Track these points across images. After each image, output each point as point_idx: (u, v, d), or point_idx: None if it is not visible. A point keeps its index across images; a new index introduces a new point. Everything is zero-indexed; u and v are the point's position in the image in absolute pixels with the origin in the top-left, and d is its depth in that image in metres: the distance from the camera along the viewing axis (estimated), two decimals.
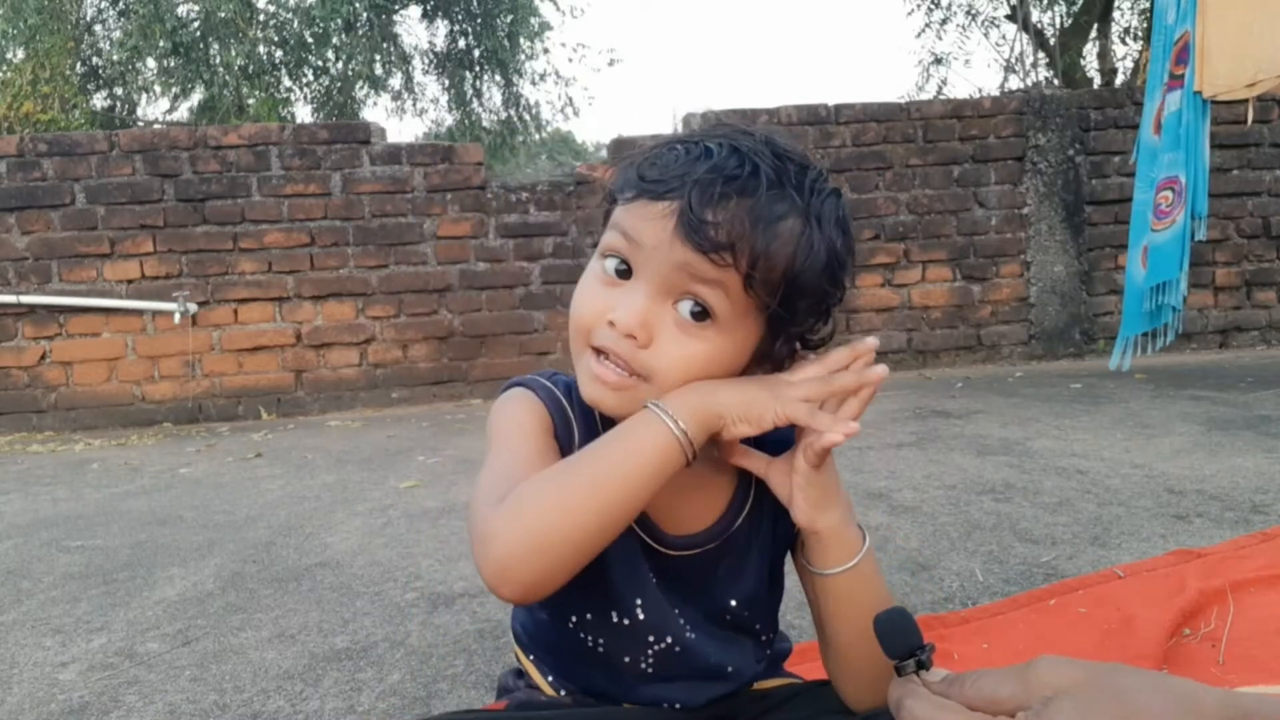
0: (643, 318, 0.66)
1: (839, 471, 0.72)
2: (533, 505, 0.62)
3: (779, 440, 0.73)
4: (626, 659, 0.77)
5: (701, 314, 0.66)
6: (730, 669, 0.79)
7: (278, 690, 1.27)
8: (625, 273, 0.68)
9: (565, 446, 0.75)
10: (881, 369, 0.67)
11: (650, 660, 0.77)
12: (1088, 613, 1.32)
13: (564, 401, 0.77)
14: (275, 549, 2.05)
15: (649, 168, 0.68)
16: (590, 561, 0.64)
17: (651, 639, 0.76)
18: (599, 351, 0.69)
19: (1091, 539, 1.73)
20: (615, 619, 0.75)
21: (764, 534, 0.78)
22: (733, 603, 0.78)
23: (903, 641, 0.60)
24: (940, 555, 1.69)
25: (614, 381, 0.68)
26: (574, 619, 0.77)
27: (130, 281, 4.59)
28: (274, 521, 2.32)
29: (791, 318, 0.68)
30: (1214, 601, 1.30)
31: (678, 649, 0.77)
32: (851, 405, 0.67)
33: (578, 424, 0.76)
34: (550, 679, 0.83)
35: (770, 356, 0.71)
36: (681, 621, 0.77)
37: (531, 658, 0.85)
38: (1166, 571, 1.45)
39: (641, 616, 0.75)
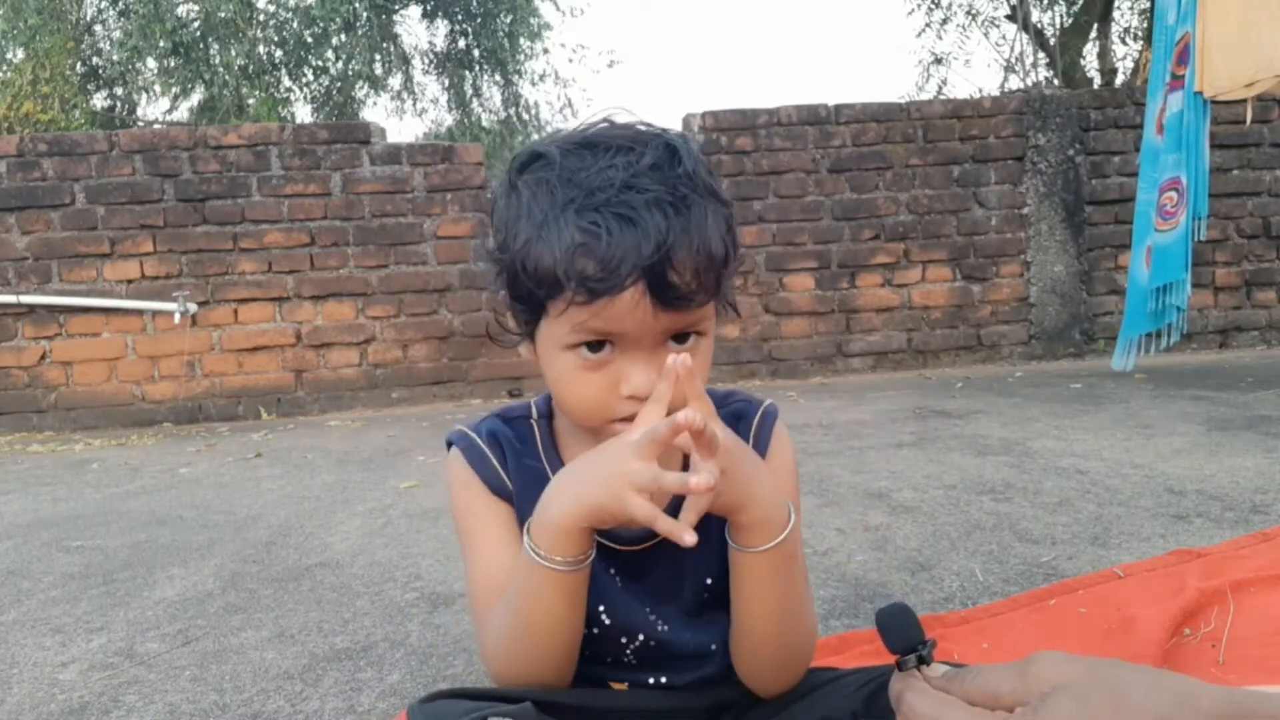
0: (656, 376, 0.68)
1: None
2: (502, 662, 0.75)
3: (731, 414, 0.81)
4: (609, 659, 0.80)
5: (686, 335, 0.70)
6: (713, 646, 0.80)
7: (278, 690, 1.27)
8: (599, 346, 0.69)
9: (496, 484, 0.80)
10: (685, 414, 0.61)
11: (630, 656, 0.80)
12: (1088, 613, 1.32)
13: (488, 453, 0.81)
14: (275, 549, 2.05)
15: (583, 264, 0.64)
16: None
17: (624, 640, 0.78)
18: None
19: (1091, 539, 1.73)
20: (585, 629, 0.77)
21: None
22: (709, 580, 0.79)
23: (904, 637, 0.61)
24: (940, 555, 1.69)
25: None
26: None
27: (130, 281, 4.59)
28: (274, 521, 2.32)
29: (732, 277, 0.72)
30: (1214, 601, 1.30)
31: (652, 643, 0.78)
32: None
33: (508, 457, 0.81)
34: None
35: (723, 313, 0.75)
36: (653, 618, 0.78)
37: None
38: (1166, 571, 1.45)
39: (608, 622, 0.77)
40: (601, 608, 0.77)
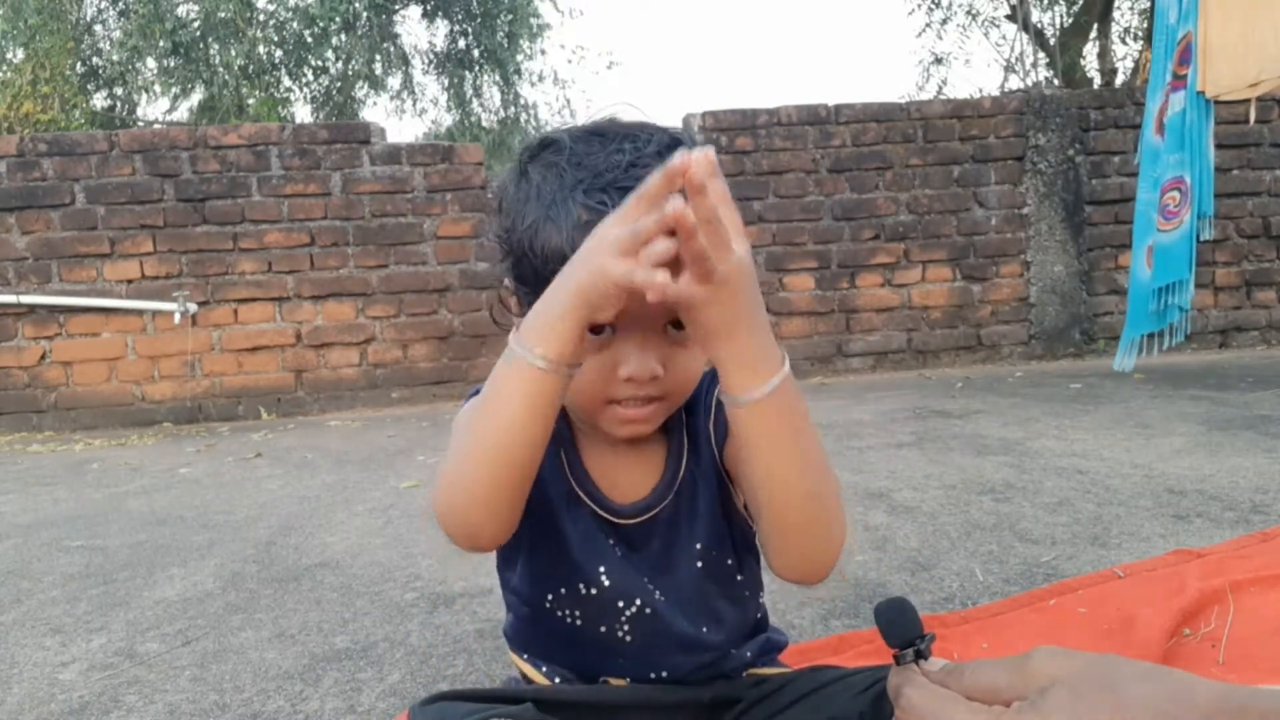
0: (654, 359, 0.70)
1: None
2: (442, 485, 0.70)
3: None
4: (603, 629, 0.80)
5: (679, 323, 0.70)
6: (705, 630, 0.80)
7: (278, 690, 1.27)
8: (600, 329, 0.69)
9: None
10: (701, 159, 0.54)
11: (626, 628, 0.79)
12: (1088, 613, 1.32)
13: None
14: (275, 549, 2.05)
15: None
16: (525, 503, 0.70)
17: (621, 604, 0.79)
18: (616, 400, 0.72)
19: (1091, 539, 1.73)
20: (583, 590, 0.79)
21: (705, 466, 0.81)
22: (698, 545, 0.80)
23: (903, 631, 0.61)
24: (940, 555, 1.69)
25: (644, 415, 0.73)
26: (549, 597, 0.80)
27: (130, 281, 4.59)
28: (274, 521, 2.32)
29: None
30: (1214, 601, 1.30)
31: (648, 611, 0.79)
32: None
33: None
34: (544, 669, 0.85)
35: None
36: (650, 587, 0.79)
37: (524, 656, 0.86)
38: (1166, 571, 1.45)
39: (606, 583, 0.78)
40: (602, 569, 0.78)
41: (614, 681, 0.82)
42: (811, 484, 0.67)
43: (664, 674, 0.81)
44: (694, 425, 0.82)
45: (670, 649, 0.80)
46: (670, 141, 0.71)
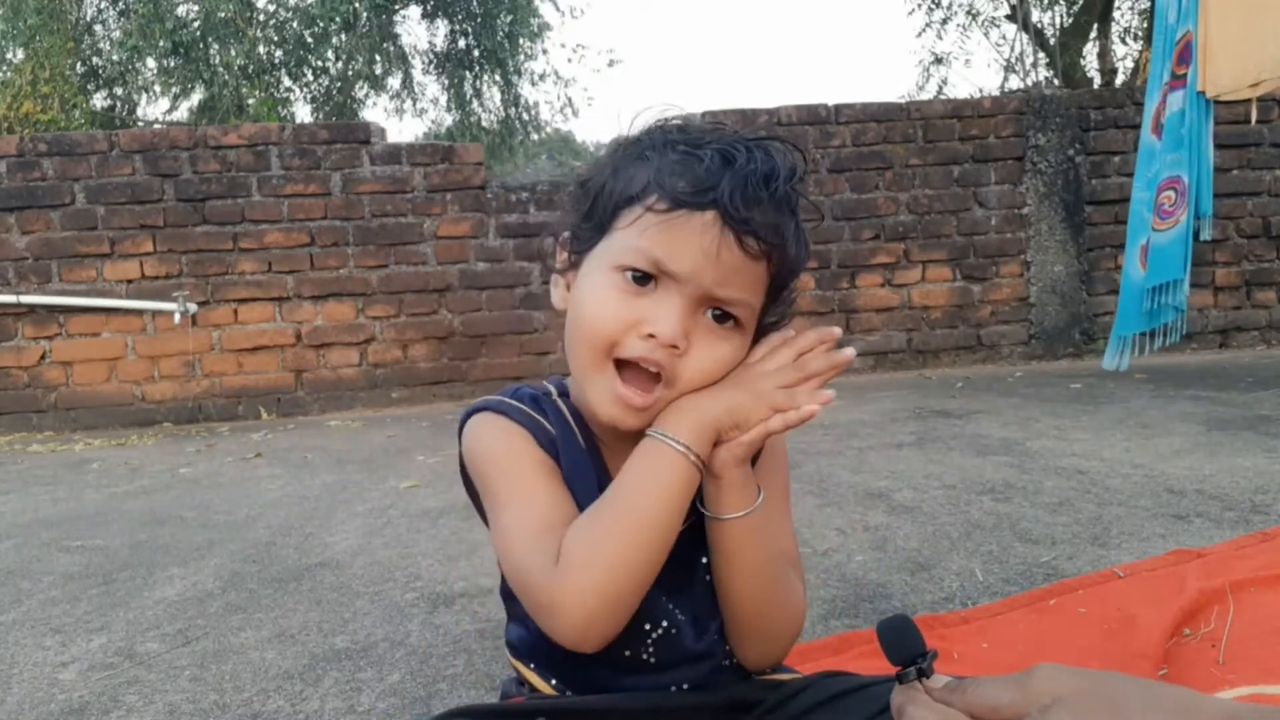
0: (683, 327, 0.68)
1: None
2: (601, 569, 0.65)
3: None
4: (627, 653, 0.78)
5: (725, 317, 0.70)
6: (716, 639, 0.80)
7: (278, 690, 1.27)
8: (644, 280, 0.69)
9: (546, 442, 0.77)
10: (850, 351, 0.72)
11: (650, 650, 0.78)
12: (1088, 613, 1.32)
13: (533, 413, 0.79)
14: (275, 549, 2.05)
15: (677, 178, 0.67)
16: None
17: (647, 626, 0.77)
18: (620, 364, 0.70)
19: (1091, 539, 1.73)
20: None
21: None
22: (704, 560, 0.79)
23: (905, 648, 0.61)
24: (940, 555, 1.69)
25: (640, 403, 0.70)
26: None
27: (130, 281, 4.59)
28: (274, 521, 2.32)
29: (778, 305, 0.76)
30: (1214, 601, 1.30)
31: (674, 631, 0.78)
32: (819, 381, 0.71)
33: (557, 430, 0.78)
34: (554, 683, 0.83)
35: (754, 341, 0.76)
36: (670, 607, 0.78)
37: (531, 666, 0.84)
38: (1166, 571, 1.45)
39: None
40: None
41: None
42: (765, 600, 0.75)
43: (684, 685, 0.80)
44: None
45: (685, 664, 0.79)
46: (784, 150, 0.73)
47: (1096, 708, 0.47)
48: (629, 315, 0.69)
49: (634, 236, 0.68)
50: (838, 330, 0.74)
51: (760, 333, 0.76)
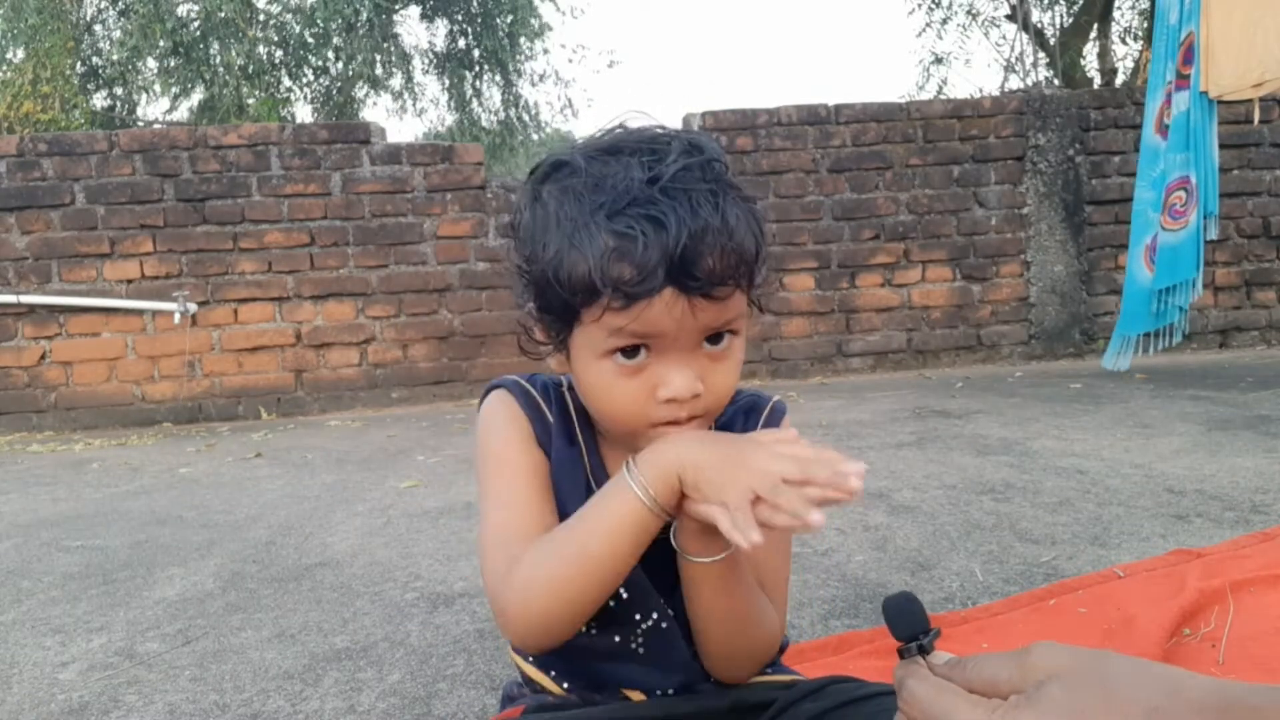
0: (694, 379, 0.68)
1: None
2: (537, 590, 0.69)
3: (743, 407, 0.81)
4: (617, 639, 0.79)
5: (719, 336, 0.70)
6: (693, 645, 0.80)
7: (278, 690, 1.27)
8: (633, 351, 0.69)
9: (545, 445, 0.79)
10: (858, 484, 0.62)
11: (640, 640, 0.79)
12: (1088, 613, 1.32)
13: (540, 402, 0.80)
14: (275, 549, 2.05)
15: (617, 269, 0.64)
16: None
17: (638, 616, 0.78)
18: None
19: (1091, 539, 1.73)
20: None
21: None
22: None
23: (909, 625, 0.62)
24: (940, 555, 1.69)
25: (690, 427, 0.71)
26: None
27: (130, 281, 4.59)
28: (274, 521, 2.32)
29: (761, 284, 0.73)
30: (1214, 601, 1.30)
31: (663, 625, 0.79)
32: (818, 494, 0.62)
33: (555, 422, 0.80)
34: (553, 674, 0.84)
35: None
36: (661, 601, 0.79)
37: (530, 660, 0.85)
38: (1166, 571, 1.45)
39: (625, 595, 0.78)
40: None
41: (631, 695, 0.81)
42: (736, 631, 0.75)
43: (675, 683, 0.80)
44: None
45: (678, 661, 0.80)
46: (687, 147, 0.68)
47: (1088, 684, 0.49)
48: (641, 393, 0.69)
49: (604, 333, 0.68)
50: (863, 466, 0.64)
51: (757, 305, 0.76)
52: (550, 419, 0.80)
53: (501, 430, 0.79)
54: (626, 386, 0.69)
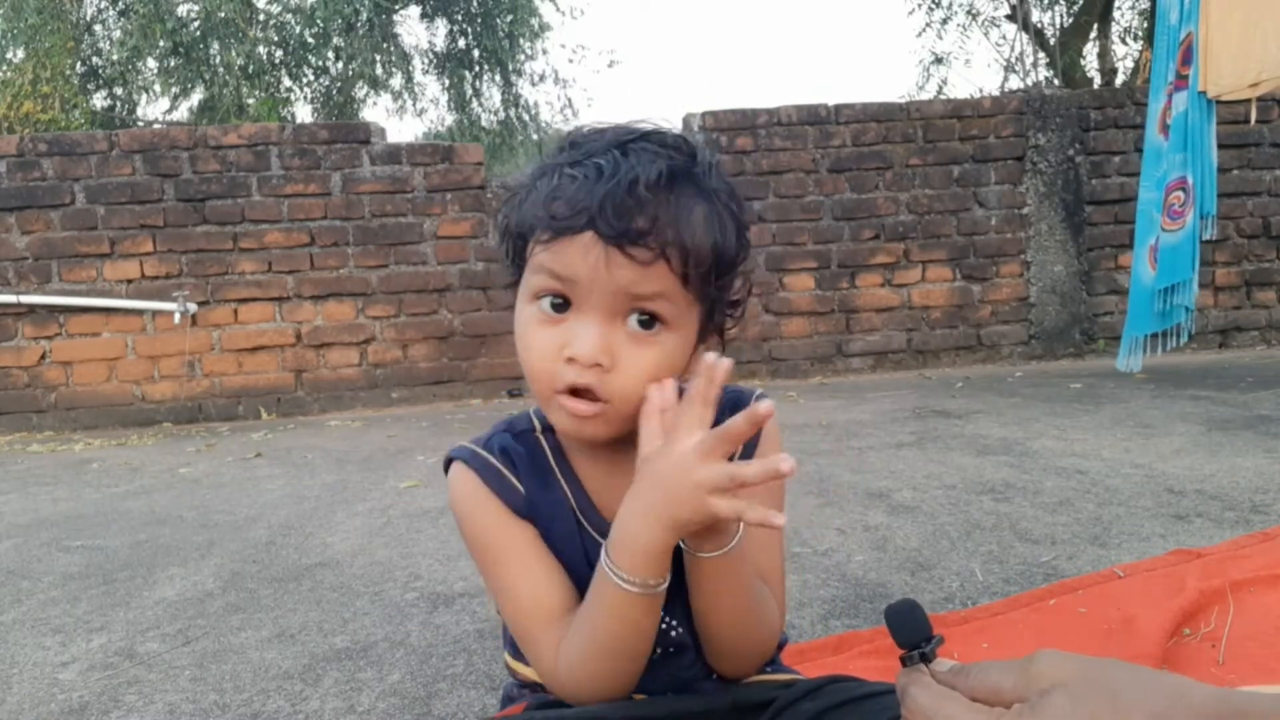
0: (602, 344, 0.68)
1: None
2: (585, 682, 0.73)
3: (729, 401, 0.80)
4: None
5: (650, 321, 0.69)
6: (693, 642, 0.81)
7: (278, 690, 1.27)
8: (562, 306, 0.69)
9: (516, 503, 0.78)
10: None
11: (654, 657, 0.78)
12: (1088, 613, 1.32)
13: (502, 469, 0.79)
14: (275, 549, 2.05)
15: (553, 204, 0.67)
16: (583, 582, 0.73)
17: (656, 650, 0.77)
18: (570, 390, 0.70)
19: (1091, 539, 1.73)
20: None
21: None
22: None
23: (912, 633, 0.61)
24: (940, 555, 1.69)
25: (586, 412, 0.70)
26: None
27: (130, 281, 4.59)
28: (274, 521, 2.32)
29: (723, 293, 0.74)
30: (1214, 601, 1.30)
31: (671, 650, 0.78)
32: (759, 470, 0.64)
33: (527, 477, 0.79)
34: None
35: (708, 333, 0.75)
36: (666, 622, 0.78)
37: (528, 663, 0.84)
38: (1166, 571, 1.45)
39: None
40: None
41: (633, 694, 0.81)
42: (739, 624, 0.75)
43: (677, 683, 0.80)
44: None
45: (677, 664, 0.79)
46: (676, 140, 0.71)
47: (1092, 693, 0.49)
48: (552, 344, 0.69)
49: (535, 268, 0.70)
50: (726, 362, 0.66)
51: (719, 331, 0.77)
52: (520, 487, 0.78)
53: (477, 517, 0.78)
54: (542, 336, 0.70)
